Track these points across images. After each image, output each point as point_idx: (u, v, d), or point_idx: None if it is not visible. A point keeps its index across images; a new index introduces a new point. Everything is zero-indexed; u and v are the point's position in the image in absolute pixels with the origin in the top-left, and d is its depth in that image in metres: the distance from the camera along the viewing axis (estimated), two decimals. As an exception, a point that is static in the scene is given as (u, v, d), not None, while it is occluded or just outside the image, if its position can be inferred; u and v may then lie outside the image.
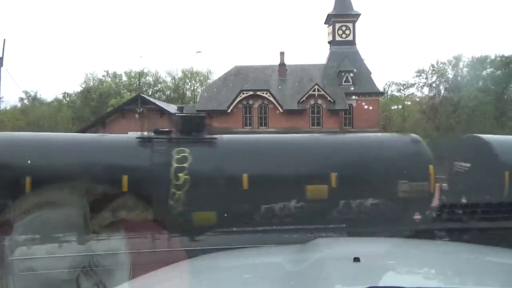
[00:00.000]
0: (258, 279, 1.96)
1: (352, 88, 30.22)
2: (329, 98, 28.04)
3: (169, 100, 46.05)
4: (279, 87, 29.93)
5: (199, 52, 78.43)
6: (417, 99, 46.68)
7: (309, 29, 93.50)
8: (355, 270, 1.81)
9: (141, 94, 29.28)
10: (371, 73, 32.14)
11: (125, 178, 6.12)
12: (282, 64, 31.12)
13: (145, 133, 6.87)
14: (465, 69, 45.10)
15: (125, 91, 49.19)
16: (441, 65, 45.17)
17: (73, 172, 6.17)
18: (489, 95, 38.29)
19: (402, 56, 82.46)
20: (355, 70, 30.78)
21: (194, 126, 7.17)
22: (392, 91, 49.11)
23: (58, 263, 5.47)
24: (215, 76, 45.86)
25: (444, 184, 7.66)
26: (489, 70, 41.64)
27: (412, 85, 46.25)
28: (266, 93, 28.39)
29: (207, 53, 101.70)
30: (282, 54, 31.43)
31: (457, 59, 44.86)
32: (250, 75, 30.96)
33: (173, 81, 54.79)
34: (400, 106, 44.82)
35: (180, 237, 6.39)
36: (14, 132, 8.24)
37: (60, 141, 7.12)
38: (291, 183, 6.42)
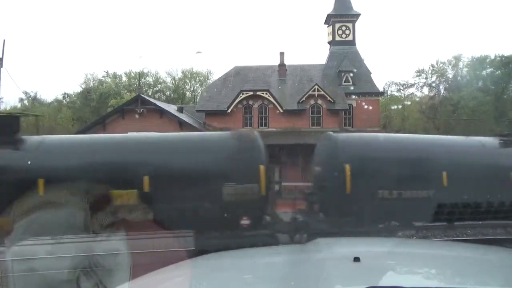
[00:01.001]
0: (258, 279, 1.96)
1: (352, 88, 30.20)
2: (329, 98, 28.03)
3: (169, 100, 46.04)
4: (279, 87, 29.92)
5: (199, 52, 78.47)
6: (417, 99, 46.72)
7: (309, 29, 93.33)
8: (355, 270, 1.81)
9: (141, 95, 29.24)
10: (371, 73, 32.14)
11: None
12: (282, 64, 31.12)
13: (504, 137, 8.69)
14: (465, 69, 45.12)
15: (125, 91, 49.15)
16: (441, 65, 45.20)
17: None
18: (489, 95, 38.28)
19: (402, 56, 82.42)
20: (355, 70, 30.75)
21: None
22: (392, 91, 49.11)
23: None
24: (215, 76, 45.93)
25: None
26: (489, 70, 41.61)
27: (412, 85, 46.28)
28: (266, 93, 28.38)
29: (207, 53, 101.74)
30: (282, 54, 31.43)
31: (457, 59, 44.89)
32: (250, 75, 30.96)
33: (173, 81, 54.80)
34: (400, 106, 44.81)
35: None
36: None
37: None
38: None
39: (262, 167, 7.05)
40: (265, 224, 7.35)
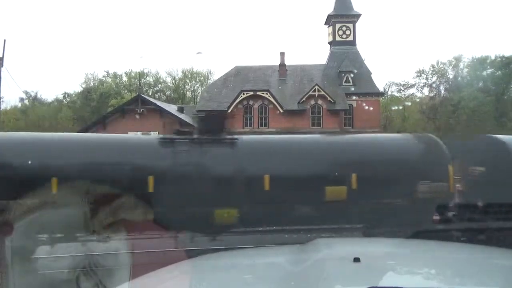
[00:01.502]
0: (258, 279, 1.96)
1: (353, 89, 30.22)
2: (329, 99, 28.04)
3: (169, 100, 46.06)
4: (279, 87, 29.94)
5: (200, 53, 78.57)
6: (417, 100, 46.74)
7: (309, 29, 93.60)
8: (355, 270, 1.81)
9: (141, 95, 29.30)
10: (371, 74, 32.16)
11: None
12: (282, 65, 31.14)
13: None
14: (465, 70, 45.16)
15: (126, 91, 49.23)
16: (441, 65, 45.27)
17: None
18: (489, 96, 38.29)
19: (402, 56, 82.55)
20: (355, 71, 30.78)
21: None
22: (392, 92, 49.14)
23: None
24: (216, 76, 45.93)
25: None
26: (489, 71, 41.65)
27: (412, 85, 46.34)
28: (266, 94, 28.40)
29: (208, 53, 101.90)
30: (282, 54, 31.46)
31: (457, 59, 44.93)
32: (250, 75, 30.98)
33: (173, 81, 54.87)
34: (400, 107, 44.83)
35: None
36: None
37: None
38: None
39: (450, 167, 7.76)
40: (449, 220, 7.95)
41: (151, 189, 6.88)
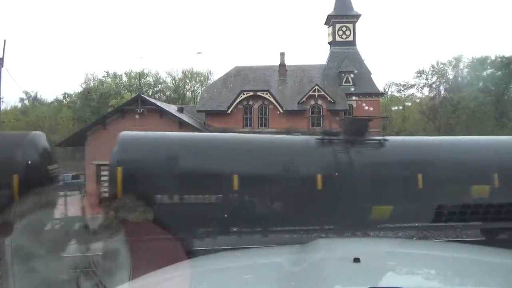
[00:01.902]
0: (258, 280, 1.96)
1: (353, 89, 30.18)
2: (329, 99, 28.02)
3: (169, 100, 46.05)
4: (279, 87, 29.90)
5: (200, 53, 78.57)
6: (417, 100, 46.68)
7: (309, 29, 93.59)
8: (355, 271, 1.81)
9: (141, 95, 29.23)
10: (371, 74, 32.13)
11: None
12: (282, 65, 31.10)
13: None
14: (465, 70, 45.11)
15: (126, 91, 49.21)
16: (441, 65, 45.21)
17: None
18: (490, 96, 38.27)
19: (402, 56, 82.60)
20: (355, 71, 30.75)
21: None
22: (392, 92, 49.12)
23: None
24: (216, 76, 45.95)
25: None
26: (489, 71, 41.62)
27: (412, 85, 46.28)
28: (266, 94, 28.37)
29: (208, 53, 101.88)
30: (282, 54, 31.42)
31: (457, 59, 44.88)
32: (250, 75, 30.93)
33: (173, 81, 54.85)
34: (400, 107, 44.79)
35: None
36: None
37: None
38: None
39: None
40: None
41: (320, 186, 7.51)
